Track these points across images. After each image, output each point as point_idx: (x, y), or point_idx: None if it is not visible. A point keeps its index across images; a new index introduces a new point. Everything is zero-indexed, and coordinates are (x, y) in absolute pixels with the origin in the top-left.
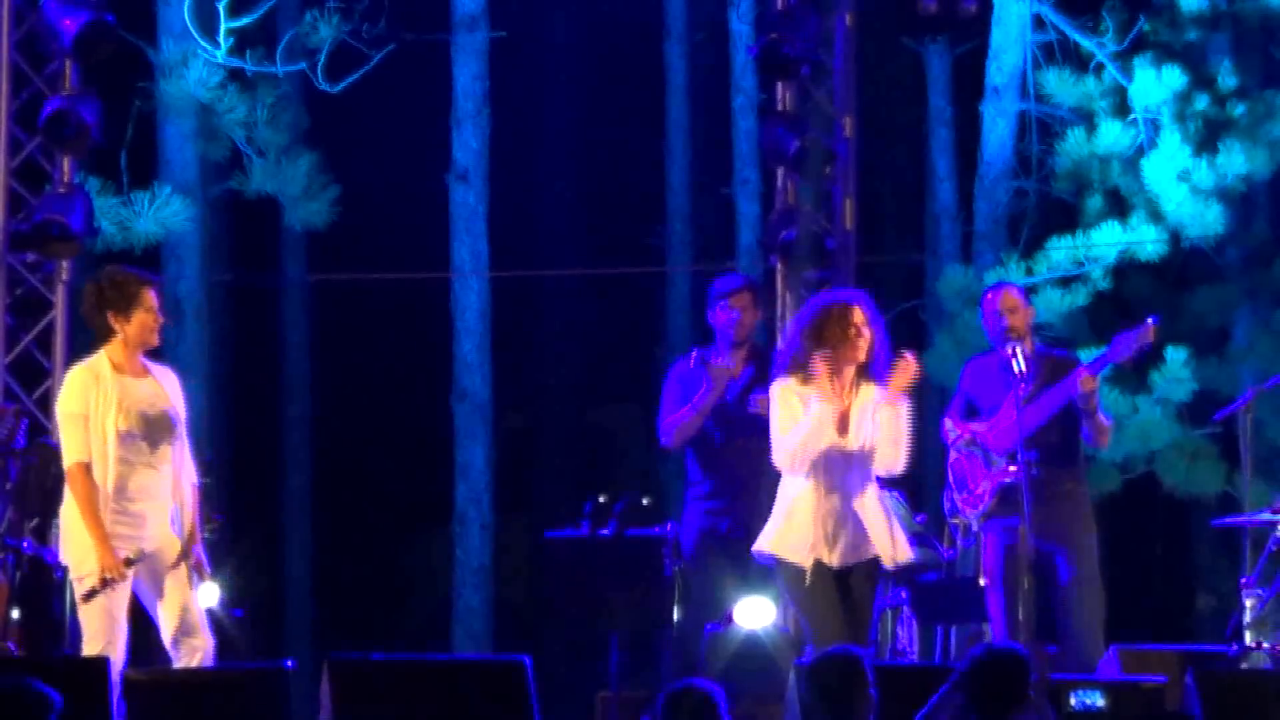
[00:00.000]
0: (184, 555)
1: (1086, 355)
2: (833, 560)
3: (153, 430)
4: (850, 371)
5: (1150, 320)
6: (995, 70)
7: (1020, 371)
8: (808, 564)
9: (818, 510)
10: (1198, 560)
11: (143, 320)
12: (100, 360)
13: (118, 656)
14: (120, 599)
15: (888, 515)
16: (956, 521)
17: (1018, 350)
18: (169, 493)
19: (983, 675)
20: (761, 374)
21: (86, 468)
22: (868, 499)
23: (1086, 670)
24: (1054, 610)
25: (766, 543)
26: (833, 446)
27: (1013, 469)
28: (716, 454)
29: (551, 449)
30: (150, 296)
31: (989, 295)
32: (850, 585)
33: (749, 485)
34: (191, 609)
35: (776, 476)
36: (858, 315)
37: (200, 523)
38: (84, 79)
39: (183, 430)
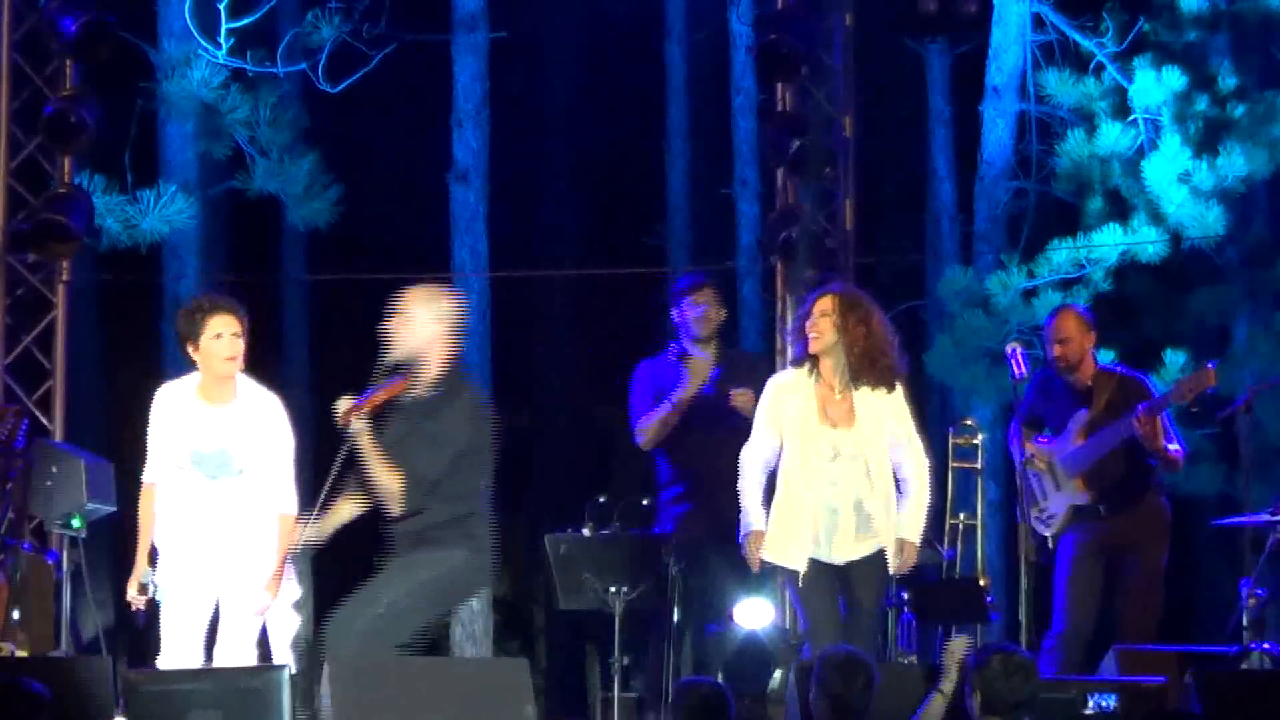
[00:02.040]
0: (262, 585)
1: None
2: (832, 556)
3: (207, 465)
4: (839, 364)
5: (1209, 364)
6: (995, 70)
7: (1021, 374)
8: (801, 566)
9: (810, 508)
10: (1197, 561)
11: (209, 348)
12: (188, 381)
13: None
14: (179, 613)
15: (885, 514)
16: (958, 522)
17: (1017, 351)
18: (234, 523)
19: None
20: (729, 373)
21: (148, 488)
22: (874, 494)
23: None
24: (1110, 614)
25: (762, 548)
26: (824, 442)
27: (1088, 493)
28: (687, 454)
29: (551, 449)
30: (216, 322)
31: (1048, 321)
32: (852, 580)
33: (721, 484)
34: (235, 647)
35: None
36: (816, 305)
37: (284, 558)
38: (84, 79)
39: (256, 462)
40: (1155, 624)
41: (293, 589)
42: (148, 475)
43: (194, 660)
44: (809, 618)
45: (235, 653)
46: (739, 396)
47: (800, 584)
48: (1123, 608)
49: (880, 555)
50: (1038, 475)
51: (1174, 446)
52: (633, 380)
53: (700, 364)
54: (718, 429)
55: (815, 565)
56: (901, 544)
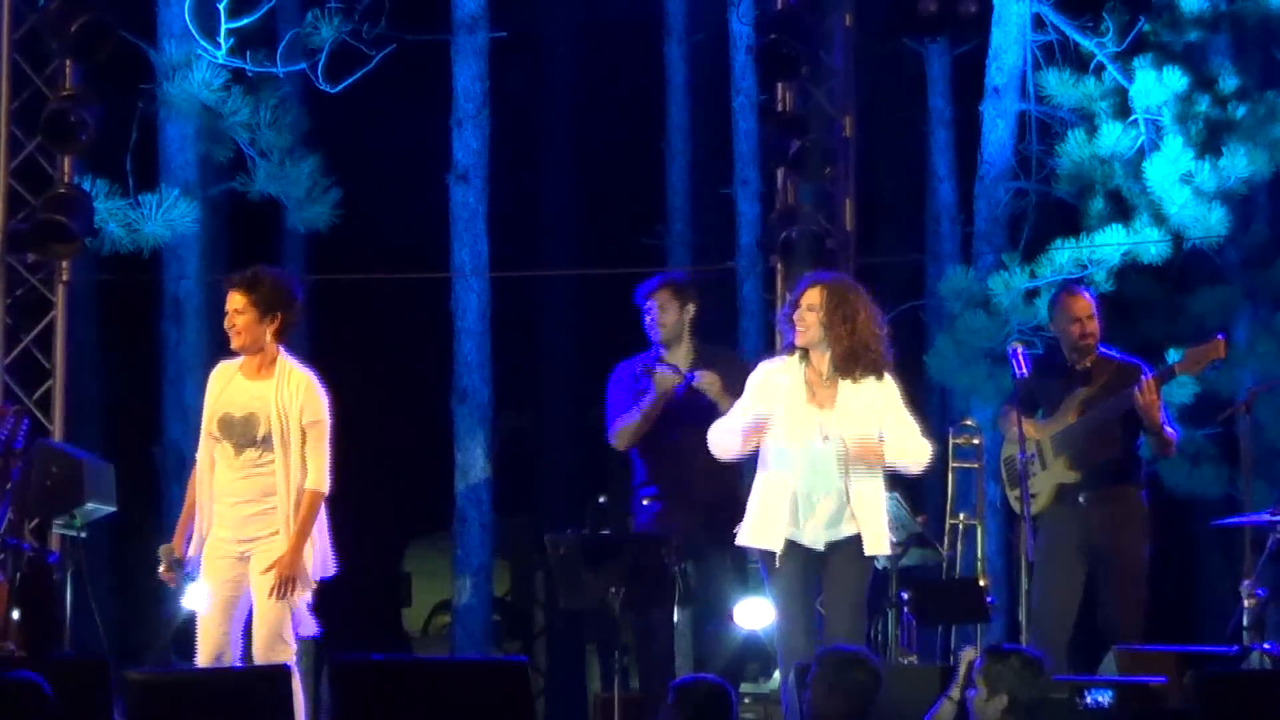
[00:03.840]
0: (278, 564)
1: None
2: (806, 539)
3: (232, 433)
4: (824, 357)
5: (1218, 335)
6: (995, 70)
7: (1021, 373)
8: (778, 547)
9: (788, 492)
10: (1198, 561)
11: (225, 325)
12: (235, 360)
13: (206, 663)
14: (210, 604)
15: (877, 505)
16: (957, 521)
17: (1018, 351)
18: (258, 496)
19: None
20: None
21: (194, 464)
22: (854, 483)
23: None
24: (1095, 608)
25: (743, 534)
26: (811, 423)
27: (1072, 473)
28: (660, 455)
29: (551, 449)
30: (227, 299)
31: (1062, 297)
32: (830, 567)
33: (694, 482)
34: (262, 623)
35: (722, 470)
36: (804, 296)
37: (305, 534)
38: (84, 79)
39: (284, 435)
40: (1141, 623)
41: (326, 566)
42: (198, 452)
43: (225, 637)
44: (781, 613)
45: (262, 636)
46: (704, 377)
47: (776, 568)
48: (1108, 609)
49: (857, 540)
50: (1025, 455)
51: (1169, 429)
52: (609, 382)
53: (663, 379)
54: (690, 430)
55: (791, 549)
56: (875, 531)
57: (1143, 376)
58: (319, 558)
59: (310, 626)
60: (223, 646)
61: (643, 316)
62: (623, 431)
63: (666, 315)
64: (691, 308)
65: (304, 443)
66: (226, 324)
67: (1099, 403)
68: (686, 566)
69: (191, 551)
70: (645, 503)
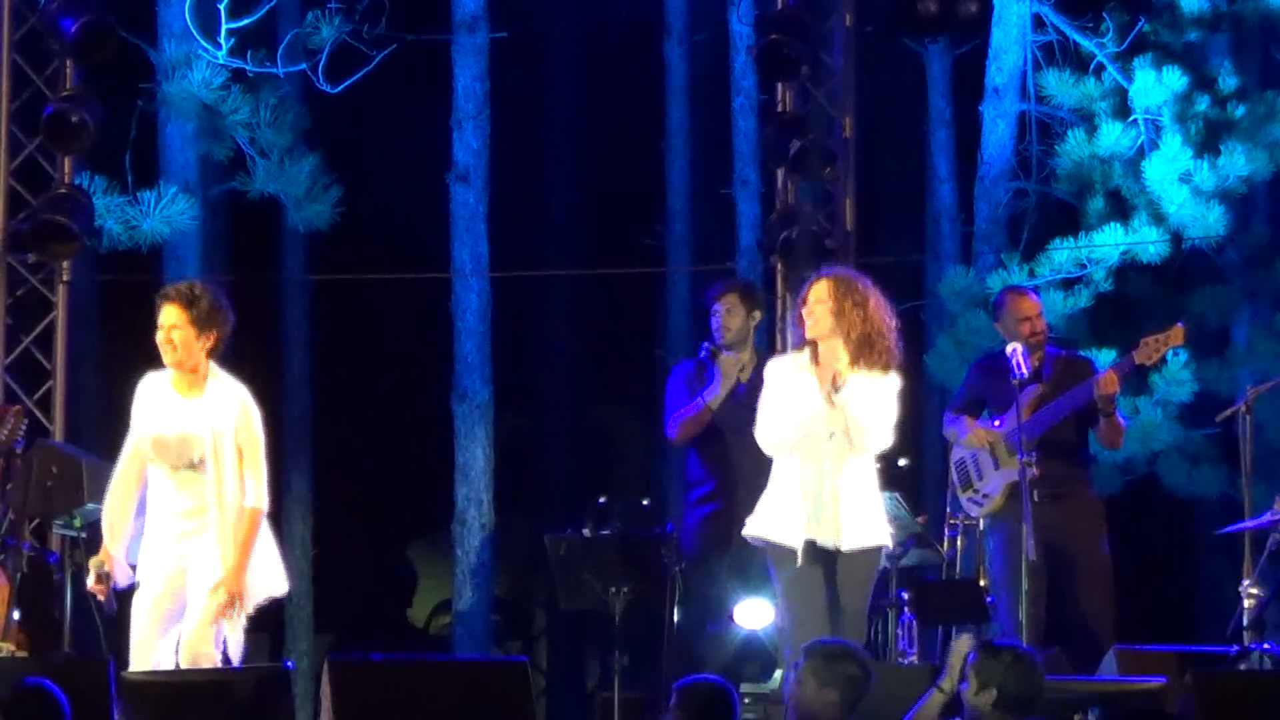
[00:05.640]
0: (224, 583)
1: (1090, 357)
2: (825, 539)
3: (168, 455)
4: (837, 349)
5: (1178, 324)
6: (995, 71)
7: (1021, 374)
8: (799, 545)
9: (807, 489)
10: (1198, 561)
11: (158, 339)
12: (166, 373)
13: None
14: (138, 613)
15: (873, 500)
16: (957, 521)
17: (1018, 351)
18: (195, 515)
19: None
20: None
21: (116, 475)
22: (856, 479)
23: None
24: (1064, 608)
25: (757, 526)
26: (821, 421)
27: (1034, 470)
28: (719, 454)
29: (551, 449)
30: (162, 314)
31: (1009, 297)
32: (840, 573)
33: (751, 485)
34: (185, 646)
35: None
36: (812, 290)
37: (248, 552)
38: (84, 79)
39: (218, 454)
40: (1113, 619)
41: (275, 585)
42: (118, 462)
43: (163, 645)
44: (793, 612)
45: (189, 642)
46: None
47: (794, 567)
48: (1079, 610)
49: (874, 552)
50: (974, 455)
51: (1121, 419)
52: (670, 378)
53: (729, 362)
54: (749, 432)
55: (810, 549)
56: (869, 525)
57: (1098, 370)
58: (263, 577)
59: (238, 650)
60: (159, 654)
61: (710, 319)
62: (686, 423)
63: (733, 319)
64: (757, 314)
65: (240, 460)
66: (161, 339)
67: (1051, 400)
68: (687, 566)
69: (121, 565)
70: (702, 504)
